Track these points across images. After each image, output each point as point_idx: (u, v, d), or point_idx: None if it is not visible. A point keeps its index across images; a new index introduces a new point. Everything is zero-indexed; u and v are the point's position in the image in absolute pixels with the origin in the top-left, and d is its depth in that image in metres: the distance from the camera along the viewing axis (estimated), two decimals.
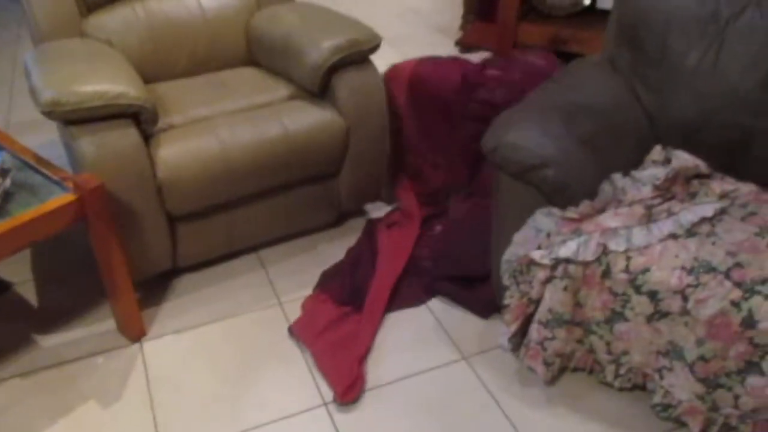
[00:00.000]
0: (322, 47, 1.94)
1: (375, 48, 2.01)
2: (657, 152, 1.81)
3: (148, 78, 2.16)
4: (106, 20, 2.10)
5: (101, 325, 1.89)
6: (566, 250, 1.52)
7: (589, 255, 1.51)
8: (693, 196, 1.68)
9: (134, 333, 1.83)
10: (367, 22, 4.08)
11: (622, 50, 1.91)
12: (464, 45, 2.95)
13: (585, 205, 1.56)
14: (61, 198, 1.56)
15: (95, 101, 1.63)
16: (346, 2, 4.52)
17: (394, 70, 2.29)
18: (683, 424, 1.58)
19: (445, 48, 3.71)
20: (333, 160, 2.03)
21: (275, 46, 2.12)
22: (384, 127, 2.08)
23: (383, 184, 2.23)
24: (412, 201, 2.22)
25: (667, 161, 1.77)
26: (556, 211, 1.59)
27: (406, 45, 3.82)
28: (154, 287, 2.01)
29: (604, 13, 2.30)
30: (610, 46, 1.96)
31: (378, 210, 2.33)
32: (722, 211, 1.61)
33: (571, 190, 1.58)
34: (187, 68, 2.22)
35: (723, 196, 1.67)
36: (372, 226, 2.18)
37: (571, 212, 1.56)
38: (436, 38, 3.91)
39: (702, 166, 1.72)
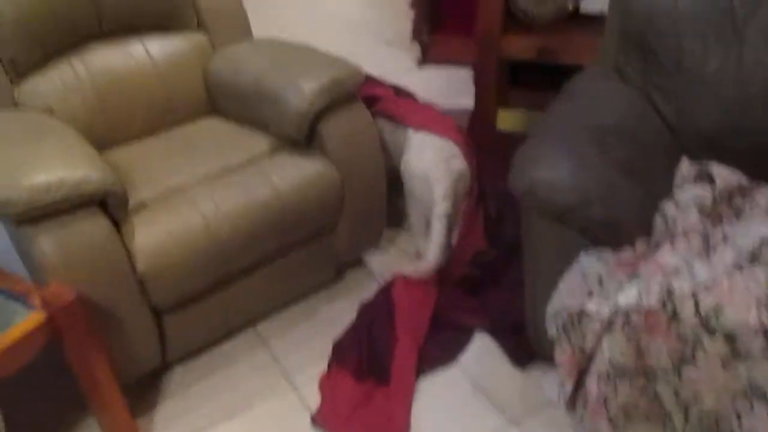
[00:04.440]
0: (302, 91, 1.71)
1: (360, 84, 1.80)
2: (686, 166, 1.67)
3: (102, 144, 1.86)
4: (42, 84, 1.80)
5: None
6: (626, 298, 1.35)
7: (653, 301, 1.34)
8: (738, 213, 1.54)
9: None
10: (311, 39, 3.85)
11: (631, 59, 1.75)
12: (430, 61, 2.75)
13: (641, 243, 1.40)
14: (27, 320, 1.28)
15: (52, 194, 1.35)
16: (290, 24, 4.27)
17: None
18: None
19: (400, 63, 3.52)
20: (330, 215, 1.81)
21: (244, 93, 1.88)
22: (379, 170, 1.87)
23: (383, 229, 2.01)
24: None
25: (702, 176, 1.63)
26: (606, 253, 1.42)
27: (358, 61, 3.61)
28: (143, 388, 1.73)
29: (589, 18, 2.15)
30: (613, 55, 1.80)
31: (378, 256, 2.12)
32: None
33: (621, 226, 1.41)
34: (145, 127, 1.94)
35: None
36: (387, 284, 1.94)
37: (626, 253, 1.39)
38: (388, 52, 3.72)
39: (744, 180, 1.59)
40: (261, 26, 4.24)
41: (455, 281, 1.92)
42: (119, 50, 1.92)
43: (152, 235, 1.52)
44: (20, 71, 1.78)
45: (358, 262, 2.10)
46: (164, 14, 1.98)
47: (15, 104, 1.77)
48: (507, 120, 2.37)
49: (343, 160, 1.77)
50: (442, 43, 3.17)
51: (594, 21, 2.10)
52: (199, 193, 1.63)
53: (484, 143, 2.33)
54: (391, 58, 3.64)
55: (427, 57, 3.16)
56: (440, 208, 1.93)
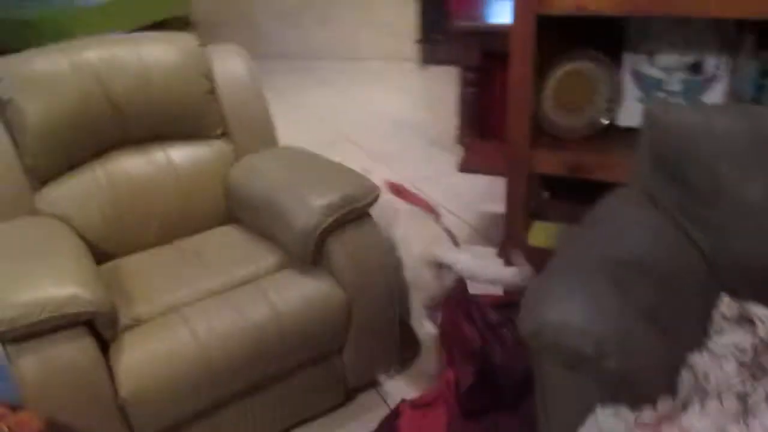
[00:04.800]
0: (311, 207, 1.65)
1: (374, 201, 1.73)
2: (727, 305, 1.49)
3: (113, 252, 1.86)
4: (62, 191, 1.82)
5: None
6: None
7: None
8: None
9: None
10: (356, 138, 3.88)
11: (663, 184, 1.62)
12: (467, 170, 2.70)
13: (664, 403, 1.22)
14: None
15: (36, 314, 1.31)
16: (333, 119, 4.34)
17: None
18: None
19: (444, 165, 3.48)
20: (334, 338, 1.71)
21: (256, 205, 1.84)
22: (391, 290, 1.77)
23: (397, 352, 1.89)
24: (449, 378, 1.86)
25: (743, 320, 1.44)
26: (625, 411, 1.25)
27: (402, 162, 3.60)
28: None
29: (626, 133, 2.04)
30: (646, 178, 1.67)
31: (393, 380, 1.98)
32: None
33: (640, 382, 1.24)
34: (159, 236, 1.92)
35: None
36: (394, 410, 1.80)
37: (647, 413, 1.22)
38: (432, 153, 3.69)
39: None
40: (307, 121, 4.33)
41: (465, 407, 1.76)
42: (141, 158, 1.94)
43: (139, 357, 1.46)
44: (42, 178, 1.81)
45: (372, 383, 1.97)
46: (190, 124, 2.00)
47: (32, 211, 1.78)
48: (540, 235, 2.24)
49: (350, 281, 1.68)
50: (485, 150, 3.11)
51: (631, 135, 1.98)
52: (195, 311, 1.57)
53: None
54: (433, 159, 3.61)
55: (474, 167, 3.10)
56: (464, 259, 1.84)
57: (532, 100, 1.97)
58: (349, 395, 1.91)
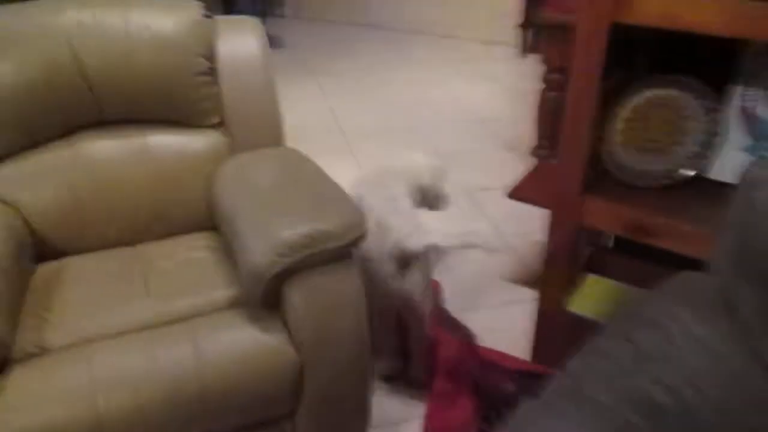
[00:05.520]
0: (270, 240, 1.30)
1: (355, 242, 1.36)
2: None
3: (64, 249, 1.61)
4: (17, 173, 1.59)
5: None
6: None
7: None
8: None
9: None
10: (425, 129, 3.46)
11: (746, 285, 1.14)
12: (516, 196, 2.25)
13: None
14: None
15: None
16: (409, 104, 3.96)
17: None
18: None
19: (512, 177, 3.02)
20: (278, 403, 1.37)
21: (225, 217, 1.52)
22: (361, 355, 1.40)
23: (366, 425, 1.53)
24: None
25: None
26: None
27: (466, 165, 3.17)
28: None
29: (722, 187, 1.54)
30: (725, 271, 1.19)
31: None
32: None
33: None
34: (121, 236, 1.65)
35: None
36: None
37: None
38: (504, 160, 3.24)
39: None
40: (383, 102, 3.97)
41: None
42: (114, 143, 1.67)
43: (19, 400, 1.18)
44: None
45: None
46: (178, 108, 1.71)
47: None
48: (588, 297, 1.79)
49: (307, 338, 1.33)
50: (542, 185, 2.63)
51: (726, 195, 1.47)
52: (106, 348, 1.27)
53: (551, 326, 1.77)
54: (503, 167, 3.16)
55: (523, 197, 2.64)
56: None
57: (593, 129, 1.52)
58: None
